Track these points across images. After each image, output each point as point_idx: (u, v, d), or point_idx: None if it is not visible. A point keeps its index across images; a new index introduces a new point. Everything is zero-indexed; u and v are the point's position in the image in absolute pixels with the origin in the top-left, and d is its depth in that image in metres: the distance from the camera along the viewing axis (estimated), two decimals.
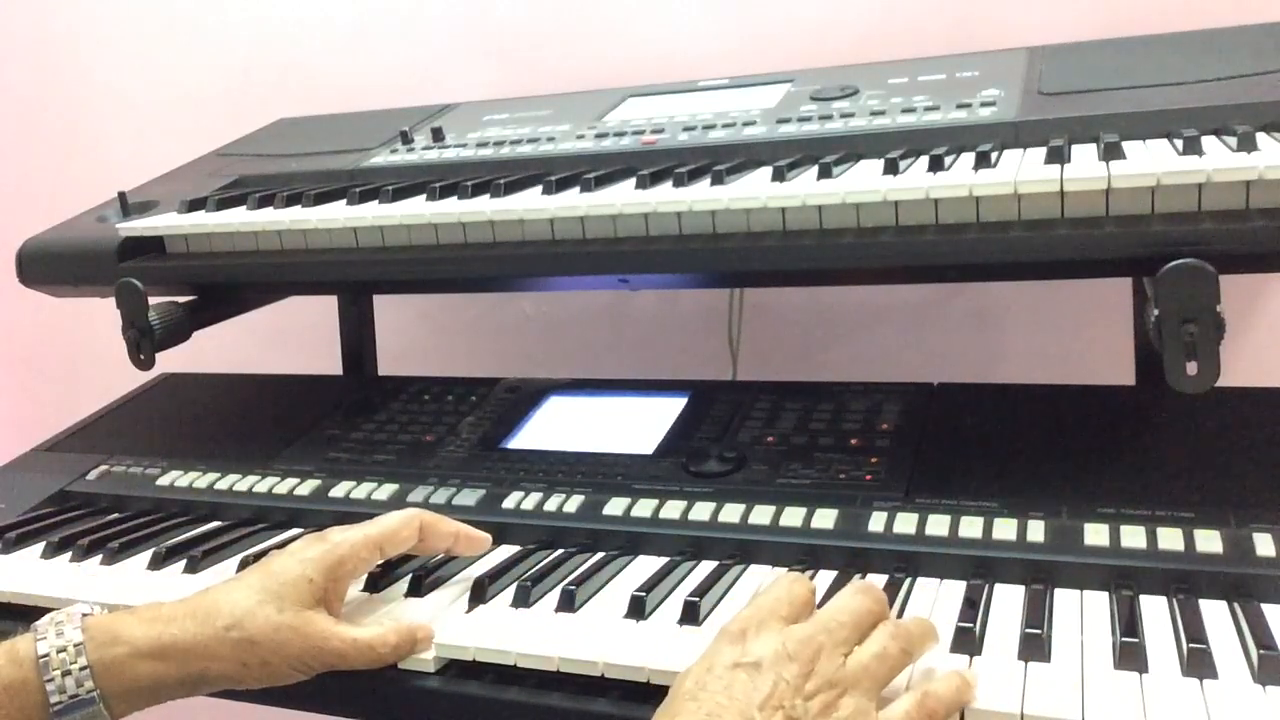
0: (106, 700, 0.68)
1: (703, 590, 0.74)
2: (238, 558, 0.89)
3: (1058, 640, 0.65)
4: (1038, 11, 1.24)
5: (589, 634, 0.71)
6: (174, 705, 0.76)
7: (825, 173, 0.82)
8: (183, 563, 0.89)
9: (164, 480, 1.06)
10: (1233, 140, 0.72)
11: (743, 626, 0.60)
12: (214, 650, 0.69)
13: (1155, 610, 0.68)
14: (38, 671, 0.67)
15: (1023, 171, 0.75)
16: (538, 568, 0.81)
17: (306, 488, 1.00)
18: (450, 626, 0.74)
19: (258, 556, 0.85)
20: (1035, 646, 0.64)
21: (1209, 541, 0.72)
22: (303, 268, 0.99)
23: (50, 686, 0.67)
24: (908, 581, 0.75)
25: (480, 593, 0.77)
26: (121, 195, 1.13)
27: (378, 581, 0.81)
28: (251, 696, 0.78)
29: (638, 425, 1.01)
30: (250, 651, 0.69)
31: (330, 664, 0.71)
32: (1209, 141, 0.75)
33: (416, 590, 0.80)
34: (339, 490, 0.98)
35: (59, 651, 0.68)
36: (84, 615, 0.71)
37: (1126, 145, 0.78)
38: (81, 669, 0.67)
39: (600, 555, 0.83)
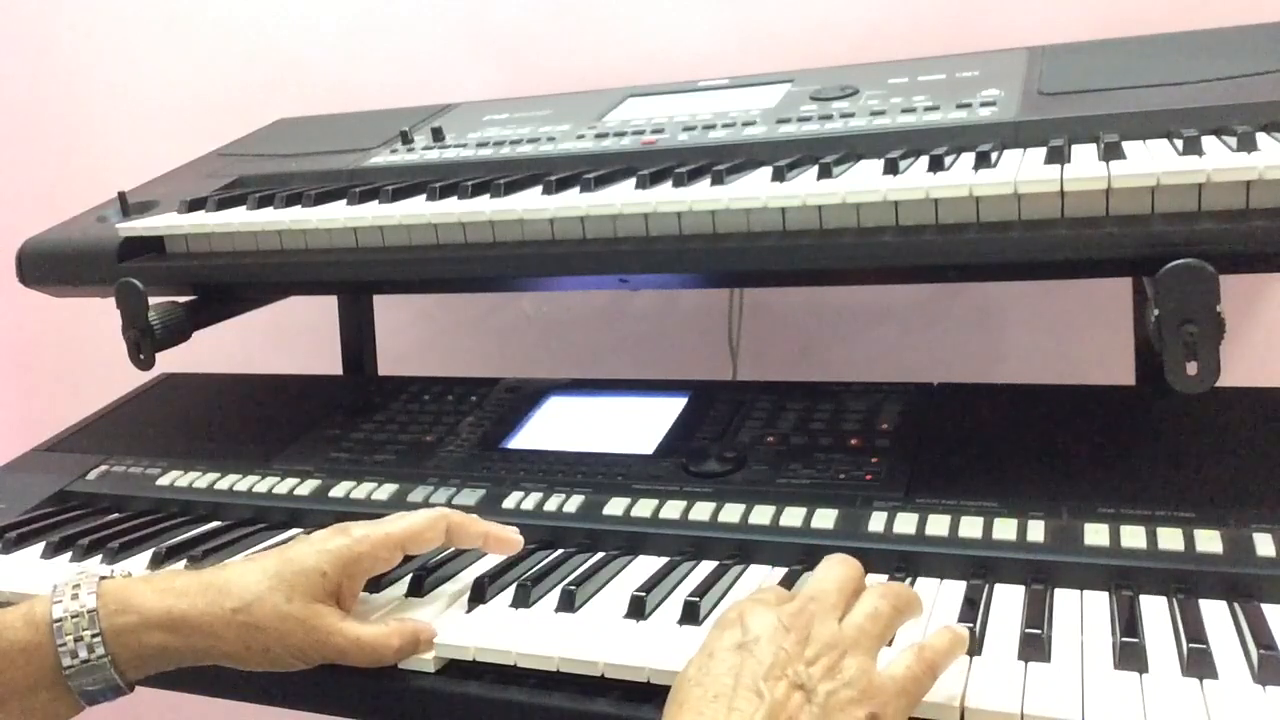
0: (118, 665, 0.69)
1: (703, 590, 0.74)
2: (238, 558, 0.89)
3: (1058, 640, 0.65)
4: (1038, 11, 1.24)
5: (589, 634, 0.71)
6: (180, 703, 0.76)
7: (825, 173, 0.82)
8: (183, 563, 0.89)
9: (164, 480, 1.06)
10: (1233, 140, 0.72)
11: (737, 612, 0.60)
12: (219, 630, 0.70)
13: (1155, 610, 0.68)
14: (51, 635, 0.68)
15: (1023, 171, 0.75)
16: (538, 568, 0.81)
17: (306, 488, 1.00)
18: (450, 626, 0.74)
19: None
20: (1035, 646, 0.64)
21: (1209, 541, 0.72)
22: (303, 268, 0.99)
23: (63, 650, 0.68)
24: (908, 581, 0.75)
25: (480, 593, 0.77)
26: (121, 195, 1.13)
27: (379, 580, 0.81)
28: (252, 696, 0.78)
29: (638, 425, 1.01)
30: (254, 636, 0.70)
31: (331, 659, 0.71)
32: (1209, 141, 0.75)
33: (417, 590, 0.80)
34: (339, 490, 0.98)
35: (73, 617, 0.69)
36: (101, 579, 0.71)
37: (1126, 145, 0.78)
38: (94, 635, 0.68)
39: (600, 555, 0.83)
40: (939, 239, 0.76)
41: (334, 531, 0.75)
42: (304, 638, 0.70)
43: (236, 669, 0.72)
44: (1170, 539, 0.73)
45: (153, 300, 1.02)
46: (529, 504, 0.90)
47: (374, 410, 1.14)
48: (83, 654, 0.68)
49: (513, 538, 0.81)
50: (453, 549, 0.84)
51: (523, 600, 0.76)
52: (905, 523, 0.80)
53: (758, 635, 0.58)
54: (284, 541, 0.83)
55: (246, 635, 0.70)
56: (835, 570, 0.64)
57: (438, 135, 1.15)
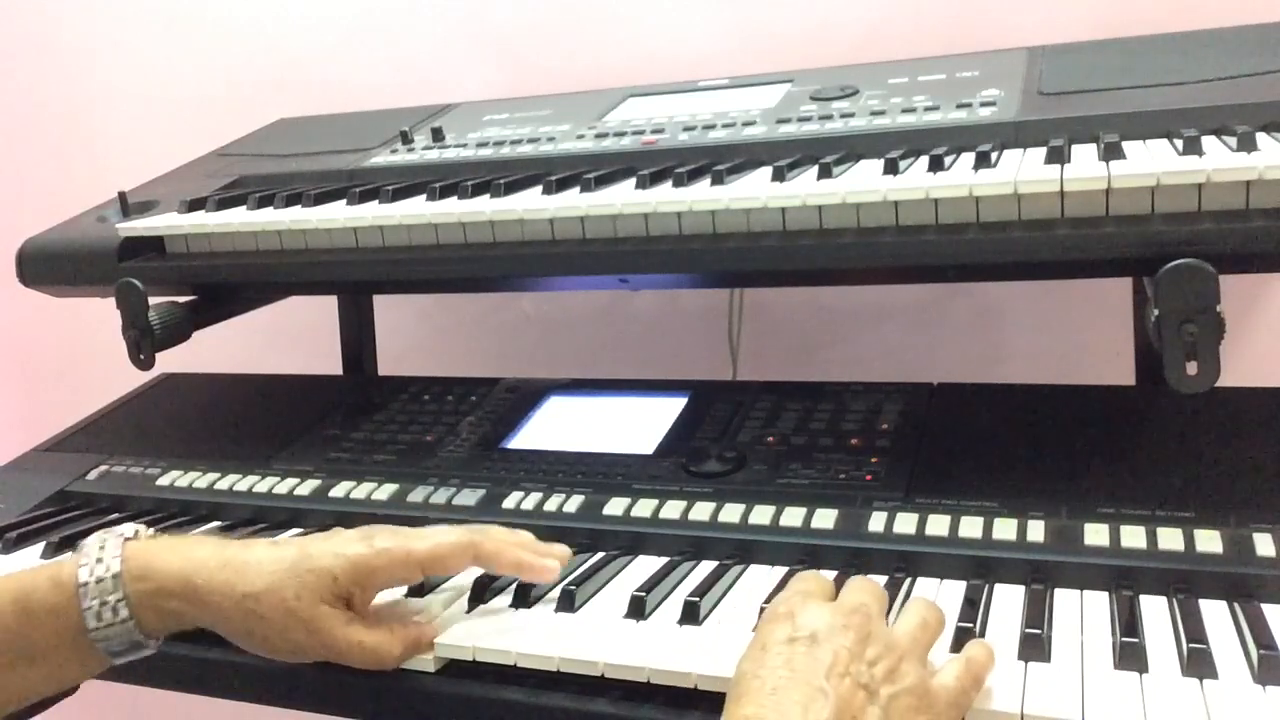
0: (141, 626, 0.70)
1: (703, 590, 0.74)
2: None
3: (1058, 640, 0.65)
4: (1038, 11, 1.24)
5: (589, 634, 0.71)
6: (180, 703, 0.76)
7: (825, 173, 0.82)
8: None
9: (164, 480, 1.06)
10: (1233, 140, 0.72)
11: (787, 607, 0.60)
12: (226, 610, 0.70)
13: (1155, 610, 0.68)
14: (77, 598, 0.69)
15: (1023, 171, 0.75)
16: None
17: (306, 488, 1.00)
18: (450, 626, 0.74)
19: None
20: (1035, 646, 0.64)
21: (1209, 541, 0.72)
22: (303, 268, 0.99)
23: (88, 613, 0.69)
24: (908, 581, 0.75)
25: (480, 593, 0.77)
26: (121, 195, 1.13)
27: None
28: (251, 696, 0.78)
29: (638, 425, 1.01)
30: (256, 624, 0.70)
31: (330, 659, 0.71)
32: (1209, 141, 0.75)
33: (417, 590, 0.80)
34: (339, 490, 0.98)
35: (97, 581, 0.70)
36: (126, 540, 0.72)
37: (1126, 145, 0.78)
38: (119, 599, 0.70)
39: (600, 555, 0.83)
40: (939, 239, 0.76)
41: (360, 535, 0.74)
42: (305, 637, 0.70)
43: (239, 650, 0.73)
44: (1170, 539, 0.73)
45: (153, 300, 1.02)
46: (529, 504, 0.90)
47: (374, 410, 1.14)
48: (107, 617, 0.69)
49: (550, 566, 0.76)
50: None
51: (523, 600, 0.76)
52: (905, 523, 0.80)
53: (814, 631, 0.57)
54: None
55: (250, 622, 0.70)
56: (867, 585, 0.64)
57: (438, 135, 1.15)
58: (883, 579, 0.75)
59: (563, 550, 0.78)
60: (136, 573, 0.70)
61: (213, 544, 0.74)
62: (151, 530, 0.76)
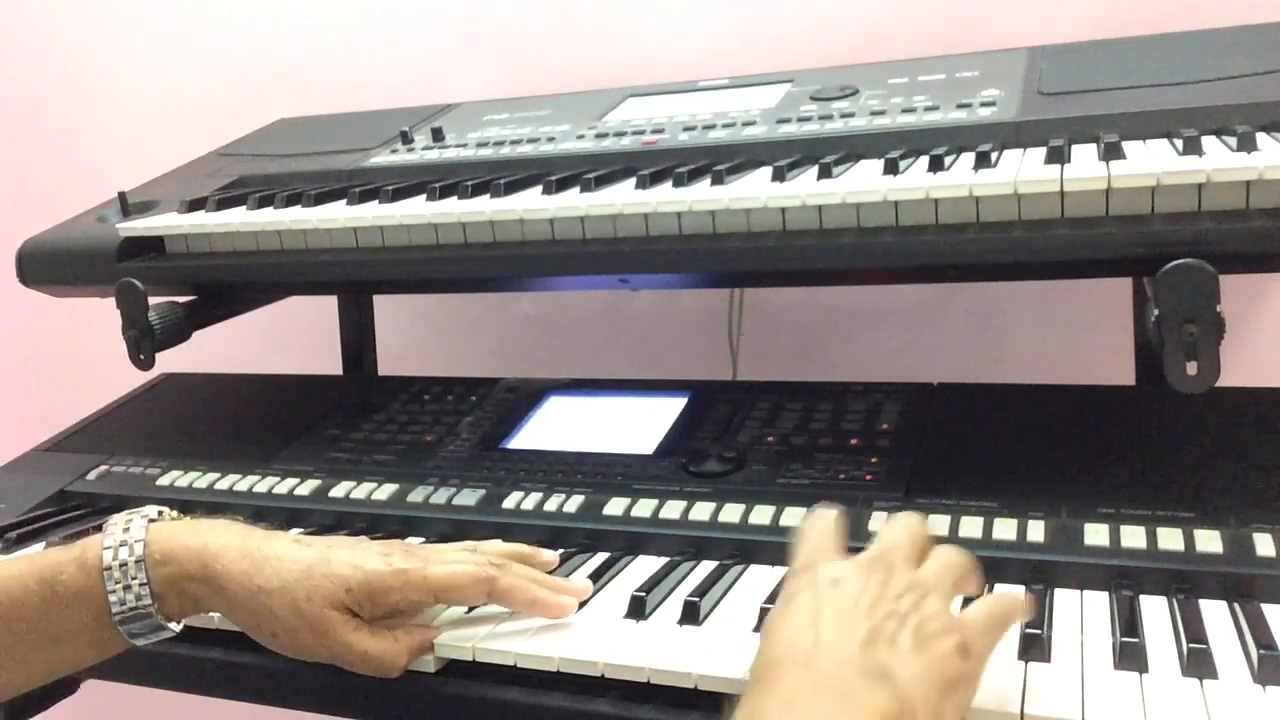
0: (163, 610, 0.71)
1: (703, 590, 0.74)
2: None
3: (1058, 640, 0.65)
4: (1038, 11, 1.24)
5: (589, 634, 0.71)
6: (180, 703, 0.76)
7: (825, 173, 0.82)
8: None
9: (164, 480, 1.06)
10: (1233, 140, 0.72)
11: (808, 560, 0.61)
12: (241, 600, 0.71)
13: (1155, 610, 0.68)
14: (102, 581, 0.70)
15: (1023, 171, 0.75)
16: None
17: (306, 488, 1.00)
18: (450, 626, 0.74)
19: None
20: (1035, 646, 0.64)
21: (1209, 541, 0.72)
22: (303, 268, 0.99)
23: (113, 598, 0.70)
24: None
25: None
26: (121, 195, 1.13)
27: None
28: (252, 696, 0.78)
29: (638, 425, 1.01)
30: (265, 619, 0.71)
31: (336, 664, 0.71)
32: (1209, 141, 0.75)
33: None
34: (339, 490, 0.98)
35: (121, 565, 0.70)
36: (150, 522, 0.73)
37: (1126, 145, 0.78)
38: (141, 584, 0.70)
39: (600, 555, 0.83)
40: (939, 239, 0.76)
41: (381, 550, 0.74)
42: (311, 640, 0.70)
43: (239, 650, 0.74)
44: (1170, 539, 0.73)
45: (153, 300, 1.02)
46: (529, 504, 0.90)
47: (374, 410, 1.14)
48: (130, 601, 0.70)
49: (566, 604, 0.74)
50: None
51: None
52: None
53: (837, 578, 0.58)
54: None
55: (260, 616, 0.71)
56: (905, 524, 0.64)
57: (438, 135, 1.15)
58: None
59: (583, 584, 0.77)
60: (159, 557, 0.71)
61: (236, 531, 0.74)
62: (175, 512, 0.76)
